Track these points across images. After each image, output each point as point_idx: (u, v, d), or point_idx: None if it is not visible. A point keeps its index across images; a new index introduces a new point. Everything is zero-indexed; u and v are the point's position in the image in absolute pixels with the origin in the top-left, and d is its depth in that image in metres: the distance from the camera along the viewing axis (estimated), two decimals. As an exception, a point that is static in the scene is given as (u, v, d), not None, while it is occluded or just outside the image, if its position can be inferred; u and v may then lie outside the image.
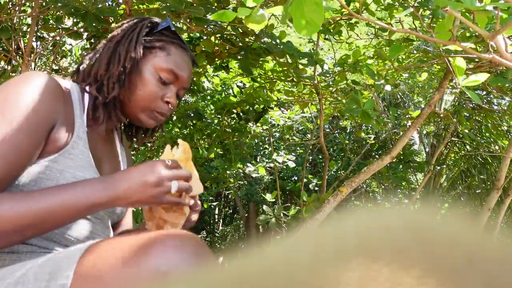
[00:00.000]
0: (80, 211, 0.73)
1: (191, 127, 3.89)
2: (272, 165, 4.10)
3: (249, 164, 4.15)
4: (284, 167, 4.73)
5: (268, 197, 3.65)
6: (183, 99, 4.60)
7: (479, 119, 4.86)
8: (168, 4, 1.90)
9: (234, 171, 4.20)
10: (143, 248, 0.62)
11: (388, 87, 2.80)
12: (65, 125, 0.84)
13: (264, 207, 3.39)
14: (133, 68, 0.92)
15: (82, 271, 0.63)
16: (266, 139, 5.47)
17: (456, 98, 4.92)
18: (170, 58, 0.94)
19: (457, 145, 5.83)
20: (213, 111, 4.21)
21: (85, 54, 0.99)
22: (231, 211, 9.27)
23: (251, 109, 3.94)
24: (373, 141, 5.12)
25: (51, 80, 0.83)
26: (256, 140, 5.35)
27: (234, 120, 4.18)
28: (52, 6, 2.13)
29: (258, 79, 3.31)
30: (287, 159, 4.16)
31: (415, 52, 3.33)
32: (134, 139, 1.09)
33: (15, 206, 0.69)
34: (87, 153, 0.87)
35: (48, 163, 0.80)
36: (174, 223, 0.85)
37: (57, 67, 3.33)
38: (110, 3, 2.80)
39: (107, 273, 0.61)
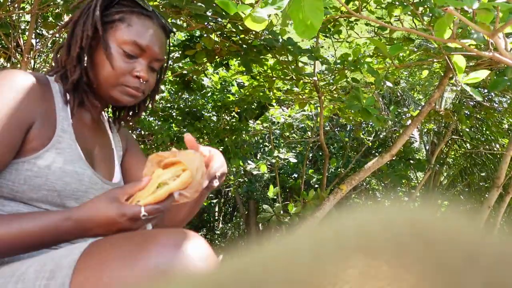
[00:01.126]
0: (46, 244, 0.73)
1: (190, 126, 3.89)
2: (274, 161, 4.10)
3: (249, 162, 4.15)
4: (286, 163, 4.73)
5: (269, 193, 3.64)
6: (183, 97, 4.61)
7: (479, 117, 4.86)
8: (168, 0, 1.89)
9: (234, 169, 4.20)
10: (142, 246, 0.62)
11: (388, 84, 2.80)
12: (45, 121, 0.83)
13: (264, 206, 3.39)
14: (94, 47, 0.88)
15: (82, 270, 0.62)
16: (266, 137, 5.47)
17: (457, 96, 4.91)
18: (132, 29, 0.88)
19: (458, 143, 5.83)
20: (212, 109, 4.21)
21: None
22: (231, 209, 9.27)
23: (251, 107, 3.93)
24: (370, 144, 5.12)
25: (22, 78, 0.81)
26: (256, 138, 5.35)
27: (234, 118, 4.18)
28: (52, 3, 2.12)
29: (257, 77, 3.31)
30: (288, 156, 4.16)
31: (415, 49, 3.33)
32: (122, 122, 1.05)
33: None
34: (74, 146, 0.86)
35: (35, 160, 0.79)
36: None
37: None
38: None
39: (107, 271, 0.61)
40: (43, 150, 0.80)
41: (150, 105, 1.05)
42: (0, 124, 0.75)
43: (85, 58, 0.88)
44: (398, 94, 5.73)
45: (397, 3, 2.39)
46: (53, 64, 0.93)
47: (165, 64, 1.03)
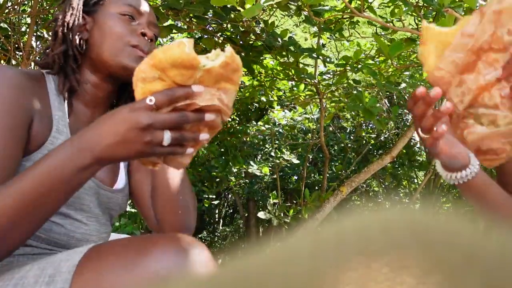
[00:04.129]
0: (65, 182, 0.63)
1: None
2: (278, 161, 4.10)
3: (252, 163, 4.15)
4: (288, 164, 4.74)
5: (271, 197, 3.65)
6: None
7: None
8: (167, 2, 1.90)
9: (235, 170, 4.20)
10: (142, 252, 0.61)
11: (390, 87, 2.81)
12: (42, 120, 0.79)
13: (268, 205, 3.39)
14: (89, 29, 0.87)
15: (81, 275, 0.62)
16: (267, 137, 5.48)
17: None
18: None
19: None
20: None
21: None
22: (231, 211, 9.27)
23: (250, 109, 3.94)
24: (373, 142, 5.12)
25: (13, 73, 0.76)
26: (256, 140, 5.36)
27: (233, 121, 4.18)
28: (52, 5, 2.13)
29: (258, 77, 3.31)
30: (290, 157, 4.17)
31: (416, 51, 3.33)
32: None
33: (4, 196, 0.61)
34: None
35: (26, 163, 0.75)
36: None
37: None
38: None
39: (106, 277, 0.60)
40: (36, 153, 0.77)
41: None
42: (5, 124, 0.70)
43: (76, 36, 0.86)
44: (399, 95, 5.73)
45: (399, 2, 2.38)
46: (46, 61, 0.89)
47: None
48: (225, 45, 2.41)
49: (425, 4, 2.02)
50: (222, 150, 4.14)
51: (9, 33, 2.46)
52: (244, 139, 4.23)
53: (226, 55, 0.64)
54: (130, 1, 0.89)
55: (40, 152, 0.77)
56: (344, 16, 2.53)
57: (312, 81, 2.86)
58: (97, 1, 0.89)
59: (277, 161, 4.11)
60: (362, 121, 4.84)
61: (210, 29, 2.43)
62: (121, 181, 0.95)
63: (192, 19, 2.20)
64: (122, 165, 0.98)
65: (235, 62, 0.65)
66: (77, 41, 0.86)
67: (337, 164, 5.45)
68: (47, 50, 0.89)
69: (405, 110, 5.30)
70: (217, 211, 8.93)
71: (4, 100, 0.72)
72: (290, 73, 2.85)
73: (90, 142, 0.63)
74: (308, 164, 5.69)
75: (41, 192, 0.62)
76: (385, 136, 5.38)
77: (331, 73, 3.01)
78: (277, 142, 5.00)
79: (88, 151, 0.63)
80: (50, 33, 2.79)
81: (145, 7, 0.92)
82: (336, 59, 3.24)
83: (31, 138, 0.77)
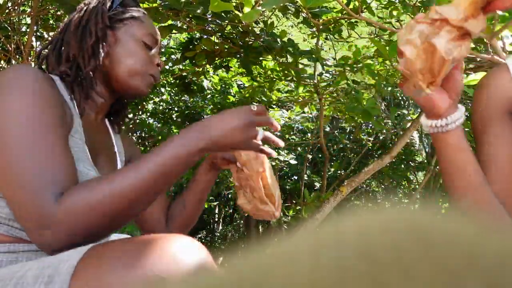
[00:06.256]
0: (182, 163, 0.73)
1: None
2: (273, 163, 4.10)
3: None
4: (286, 165, 4.74)
5: None
6: (182, 99, 4.61)
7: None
8: (167, 2, 1.90)
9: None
10: (142, 253, 0.61)
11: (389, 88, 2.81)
12: (66, 117, 0.81)
13: None
14: (109, 43, 0.91)
15: (81, 276, 0.62)
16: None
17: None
18: (145, 25, 0.97)
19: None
20: (211, 111, 4.21)
21: (43, 45, 0.98)
22: (231, 210, 9.27)
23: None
24: (370, 144, 5.11)
25: (39, 74, 0.77)
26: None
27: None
28: (52, 5, 2.13)
29: (258, 79, 3.31)
30: (289, 158, 4.17)
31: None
32: (120, 123, 1.06)
33: (121, 181, 0.69)
34: (82, 146, 0.84)
35: None
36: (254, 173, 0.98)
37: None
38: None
39: (105, 278, 0.60)
40: None
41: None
42: (53, 131, 0.72)
43: (100, 50, 0.90)
44: (398, 96, 5.74)
45: (397, 1, 2.38)
46: (50, 62, 0.91)
47: None
48: (225, 46, 2.38)
49: (423, 6, 2.03)
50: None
51: (9, 33, 2.46)
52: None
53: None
54: (151, 30, 0.97)
55: None
56: (343, 17, 2.53)
57: (312, 81, 2.86)
58: (121, 19, 0.94)
59: (273, 163, 4.11)
60: (361, 122, 4.85)
61: (209, 29, 2.43)
62: None
63: (192, 19, 2.20)
64: (119, 164, 1.00)
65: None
66: (103, 55, 0.91)
67: (337, 163, 5.45)
68: (66, 57, 0.90)
69: (403, 111, 5.30)
70: (216, 211, 8.92)
71: (41, 95, 0.74)
72: (290, 74, 2.85)
73: (208, 132, 0.76)
74: (307, 165, 5.69)
75: (163, 172, 0.71)
76: (384, 136, 5.38)
77: (330, 73, 3.00)
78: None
79: (204, 139, 0.75)
80: (50, 33, 2.78)
81: (160, 36, 1.01)
82: (334, 59, 3.24)
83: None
